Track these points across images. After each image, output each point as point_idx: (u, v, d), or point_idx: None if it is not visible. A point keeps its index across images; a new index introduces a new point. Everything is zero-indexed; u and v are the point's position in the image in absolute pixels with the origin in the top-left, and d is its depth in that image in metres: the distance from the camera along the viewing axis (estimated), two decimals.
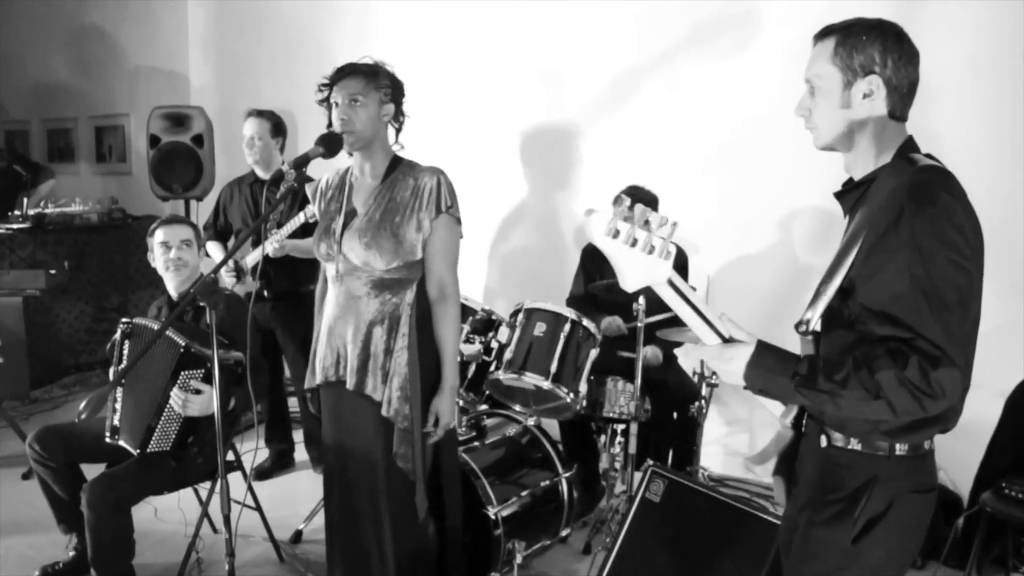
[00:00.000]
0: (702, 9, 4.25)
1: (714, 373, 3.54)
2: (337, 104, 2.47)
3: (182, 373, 2.86)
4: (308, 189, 2.76)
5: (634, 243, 1.49)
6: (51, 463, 3.08)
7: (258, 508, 3.42)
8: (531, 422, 3.49)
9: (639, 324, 3.40)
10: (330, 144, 2.43)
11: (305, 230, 3.74)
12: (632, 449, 3.48)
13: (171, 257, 3.15)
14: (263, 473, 4.30)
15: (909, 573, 1.72)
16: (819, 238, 4.02)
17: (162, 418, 2.90)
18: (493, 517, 3.01)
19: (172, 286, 3.20)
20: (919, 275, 1.45)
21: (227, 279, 3.98)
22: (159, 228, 3.20)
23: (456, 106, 4.93)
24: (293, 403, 4.44)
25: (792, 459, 1.78)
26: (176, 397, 2.85)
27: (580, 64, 4.65)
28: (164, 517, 3.59)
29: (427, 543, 2.67)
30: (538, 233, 4.94)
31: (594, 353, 3.46)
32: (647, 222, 1.49)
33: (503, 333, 3.49)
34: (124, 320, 3.07)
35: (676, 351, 3.96)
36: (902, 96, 1.61)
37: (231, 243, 4.31)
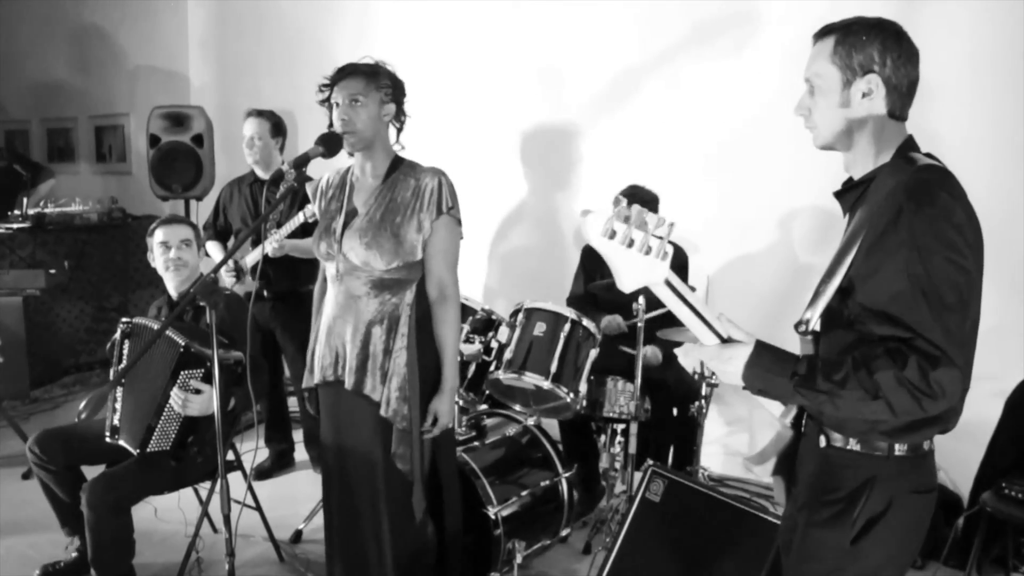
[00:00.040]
0: (702, 9, 4.25)
1: (714, 373, 3.53)
2: (338, 104, 2.47)
3: (182, 373, 2.85)
4: (308, 188, 2.75)
5: (631, 244, 1.48)
6: (51, 466, 3.08)
7: (258, 508, 3.42)
8: (531, 422, 3.49)
9: (639, 323, 3.41)
10: (330, 144, 2.43)
11: (305, 230, 3.73)
12: (632, 449, 3.48)
13: (171, 257, 3.14)
14: (263, 473, 4.30)
15: (909, 573, 1.72)
16: (819, 237, 4.02)
17: (162, 418, 2.90)
18: (493, 517, 3.01)
19: (172, 286, 3.20)
20: (918, 275, 1.45)
21: (227, 279, 3.98)
22: (159, 228, 3.20)
23: (456, 106, 4.93)
24: (293, 403, 4.44)
25: (792, 459, 1.78)
26: (176, 397, 2.85)
27: (580, 64, 4.65)
28: (164, 517, 3.59)
29: (426, 543, 2.67)
30: (538, 233, 4.94)
31: (594, 353, 3.46)
32: (644, 223, 1.49)
33: (503, 333, 3.49)
34: (124, 320, 3.07)
35: (676, 351, 3.96)
36: (902, 95, 1.61)
37: (231, 243, 4.31)
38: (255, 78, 5.95)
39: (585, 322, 3.44)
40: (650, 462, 2.99)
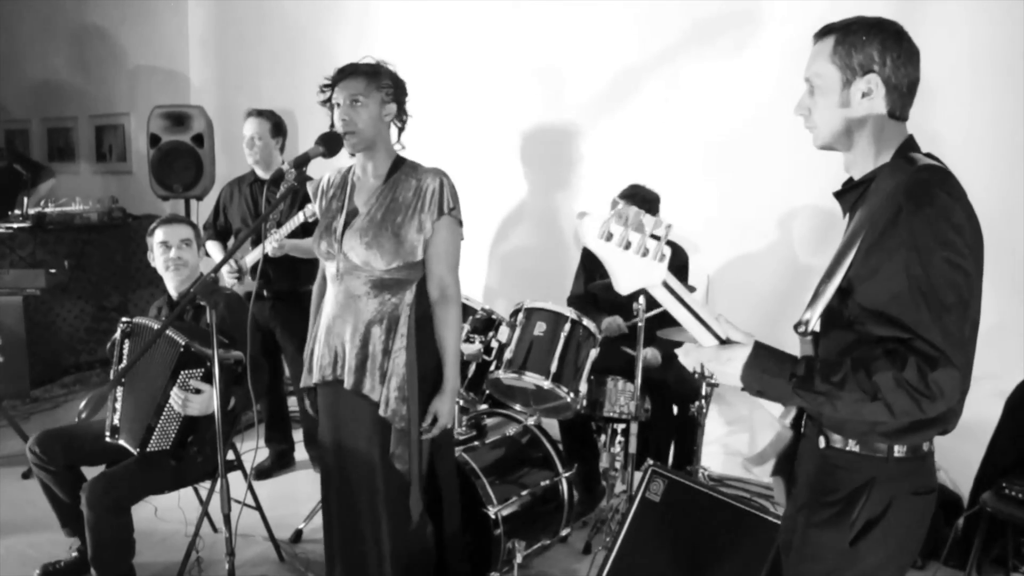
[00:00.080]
0: (702, 8, 4.25)
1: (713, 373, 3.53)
2: (338, 105, 2.47)
3: (182, 372, 2.85)
4: (309, 187, 2.75)
5: (627, 246, 1.48)
6: (51, 466, 3.08)
7: (258, 507, 3.42)
8: (531, 422, 3.49)
9: (639, 324, 3.40)
10: (330, 143, 2.43)
11: (305, 230, 3.74)
12: (632, 449, 3.48)
13: (171, 257, 3.14)
14: (263, 472, 4.30)
15: (909, 573, 1.72)
16: (819, 237, 4.02)
17: (162, 417, 2.90)
18: (493, 516, 3.01)
19: (172, 286, 3.20)
20: (917, 275, 1.45)
21: (228, 279, 3.98)
22: (159, 227, 3.20)
23: (457, 106, 4.93)
24: (293, 403, 4.44)
25: (791, 460, 1.78)
26: (176, 396, 2.85)
27: (580, 64, 4.65)
28: (164, 516, 3.60)
29: (424, 544, 2.67)
30: (538, 233, 4.94)
31: (594, 353, 3.46)
32: (641, 224, 1.48)
33: (503, 332, 3.49)
34: (124, 319, 3.07)
35: (677, 351, 3.96)
36: (902, 95, 1.61)
37: (231, 243, 4.31)
38: (255, 78, 5.95)
39: (585, 322, 3.44)
40: (650, 462, 2.99)
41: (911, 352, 1.43)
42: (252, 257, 4.07)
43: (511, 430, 3.47)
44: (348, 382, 2.50)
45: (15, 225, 5.56)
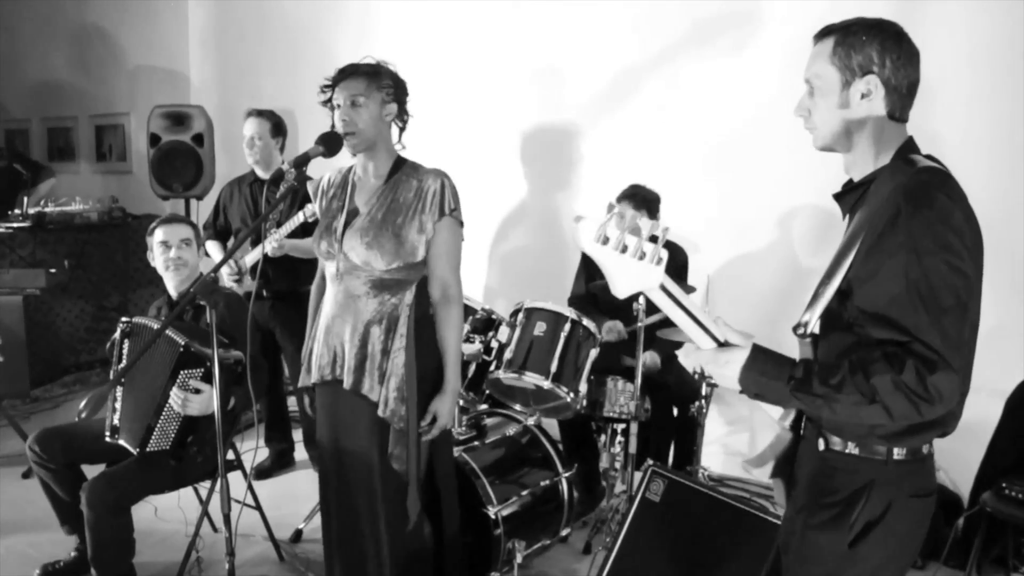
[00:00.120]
0: (702, 8, 4.25)
1: None
2: (339, 106, 2.47)
3: (181, 372, 2.85)
4: (309, 187, 2.75)
5: (624, 249, 1.48)
6: (51, 464, 3.08)
7: (258, 507, 3.43)
8: (531, 421, 3.49)
9: (640, 324, 3.40)
10: (330, 143, 2.42)
11: (304, 230, 3.74)
12: (632, 449, 3.48)
13: (171, 256, 3.14)
14: (263, 472, 4.30)
15: (909, 573, 1.72)
16: (819, 237, 4.02)
17: (162, 417, 2.90)
18: (493, 516, 3.01)
19: (172, 285, 3.20)
20: (916, 278, 1.44)
21: (227, 280, 3.98)
22: (159, 227, 3.20)
23: (457, 106, 4.93)
24: (293, 402, 4.44)
25: (791, 461, 1.77)
26: (176, 396, 2.85)
27: (580, 64, 4.65)
28: (164, 516, 3.60)
29: (422, 544, 2.67)
30: (538, 233, 4.94)
31: (594, 353, 3.46)
32: (637, 228, 1.48)
33: (503, 332, 3.49)
34: (124, 319, 3.07)
35: (678, 351, 3.96)
36: (901, 96, 1.60)
37: (231, 243, 4.31)
38: (256, 77, 5.95)
39: (585, 322, 3.44)
40: (650, 462, 2.99)
41: (909, 355, 1.43)
42: (252, 257, 4.07)
43: (511, 430, 3.47)
44: (347, 382, 2.50)
45: (15, 225, 5.56)
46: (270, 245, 3.75)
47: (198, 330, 3.00)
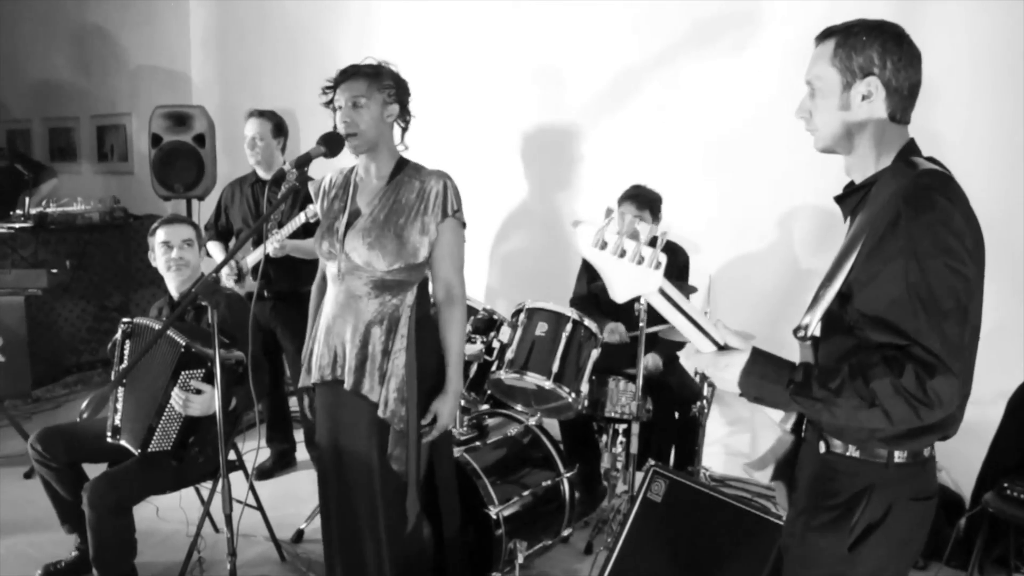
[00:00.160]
0: (702, 9, 4.25)
1: None
2: (340, 107, 2.47)
3: (183, 373, 2.86)
4: (311, 187, 2.75)
5: (622, 254, 1.48)
6: (53, 463, 3.08)
7: (260, 507, 3.43)
8: (532, 422, 3.49)
9: (640, 325, 3.40)
10: (331, 144, 2.42)
11: (306, 230, 3.74)
12: (634, 449, 3.47)
13: (172, 257, 3.15)
14: (265, 472, 4.31)
15: (911, 574, 1.72)
16: (820, 237, 4.02)
17: (163, 418, 2.90)
18: (495, 517, 3.01)
19: (173, 286, 3.20)
20: (916, 282, 1.44)
21: (228, 281, 3.98)
22: (160, 228, 3.20)
23: (458, 106, 4.93)
24: (294, 403, 4.43)
25: (793, 464, 1.77)
26: (177, 397, 2.85)
27: (581, 64, 4.65)
28: (166, 516, 3.60)
29: (423, 545, 2.67)
30: (540, 233, 4.94)
31: (596, 353, 3.46)
32: (635, 232, 1.48)
33: (505, 333, 3.49)
34: (125, 320, 3.08)
35: (679, 352, 3.97)
36: (903, 98, 1.60)
37: (232, 243, 4.31)
38: (257, 78, 5.95)
39: (587, 322, 3.44)
40: (651, 462, 2.99)
41: (909, 359, 1.42)
42: (253, 257, 4.07)
43: (512, 430, 3.47)
44: (348, 382, 2.50)
45: (17, 225, 5.56)
46: (272, 245, 3.75)
47: (199, 331, 3.00)
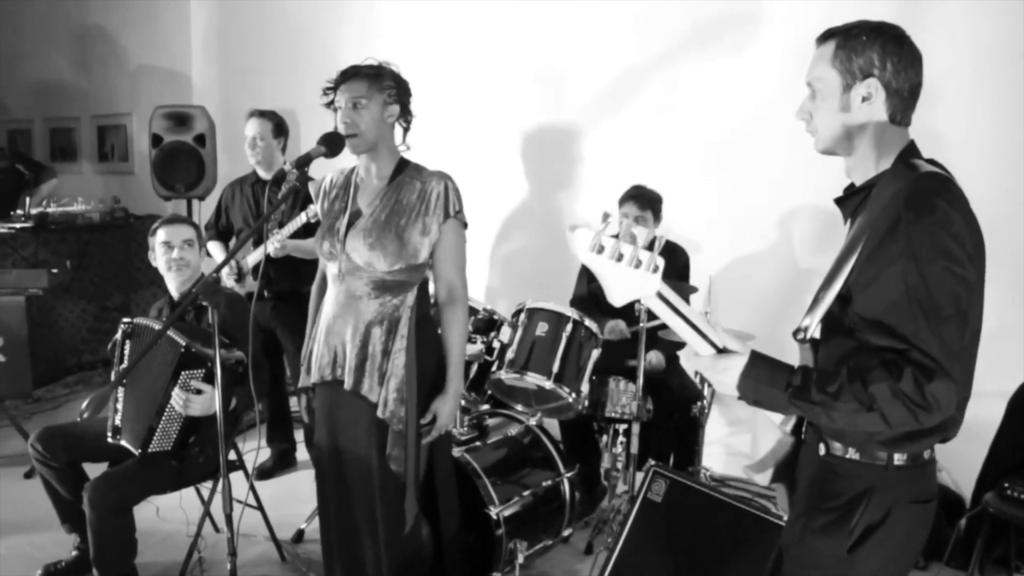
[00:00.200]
0: (702, 9, 4.25)
1: None
2: (341, 107, 2.47)
3: (183, 373, 2.86)
4: (311, 188, 2.75)
5: (620, 258, 1.48)
6: (53, 463, 3.09)
7: (260, 507, 3.43)
8: (533, 422, 3.49)
9: (641, 324, 3.41)
10: (332, 144, 2.42)
11: (307, 230, 3.75)
12: (634, 449, 3.47)
13: (173, 257, 3.15)
14: (265, 472, 4.31)
15: (912, 574, 1.71)
16: (821, 237, 4.02)
17: (163, 418, 2.90)
18: (495, 517, 3.01)
19: (174, 286, 3.20)
20: (915, 285, 1.44)
21: (228, 280, 3.98)
22: (161, 228, 3.21)
23: (459, 106, 4.93)
24: (294, 403, 4.43)
25: (793, 466, 1.77)
26: (177, 397, 2.85)
27: (581, 64, 4.65)
28: (166, 516, 3.60)
29: (420, 545, 2.67)
30: (540, 233, 4.94)
31: (596, 353, 3.46)
32: (633, 236, 1.48)
33: (505, 333, 3.49)
34: (125, 320, 3.08)
35: (680, 352, 3.97)
36: (903, 100, 1.59)
37: (232, 243, 4.31)
38: (258, 78, 5.95)
39: (587, 322, 3.44)
40: (652, 462, 2.99)
41: (908, 363, 1.42)
42: (254, 257, 4.07)
43: (513, 430, 3.47)
44: (348, 382, 2.50)
45: (17, 225, 5.56)
46: (272, 246, 3.75)
47: (199, 331, 3.00)
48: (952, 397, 1.42)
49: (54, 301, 5.69)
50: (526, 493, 3.21)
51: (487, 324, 3.55)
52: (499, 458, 3.33)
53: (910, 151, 1.61)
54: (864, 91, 1.58)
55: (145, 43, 6.64)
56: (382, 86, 2.48)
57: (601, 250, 1.48)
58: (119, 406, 3.00)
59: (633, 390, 3.51)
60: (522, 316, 3.50)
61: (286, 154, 4.19)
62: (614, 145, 4.60)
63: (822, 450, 1.66)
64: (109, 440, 3.02)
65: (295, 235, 3.78)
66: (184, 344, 2.82)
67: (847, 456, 1.62)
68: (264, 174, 4.14)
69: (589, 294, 3.93)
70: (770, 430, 1.79)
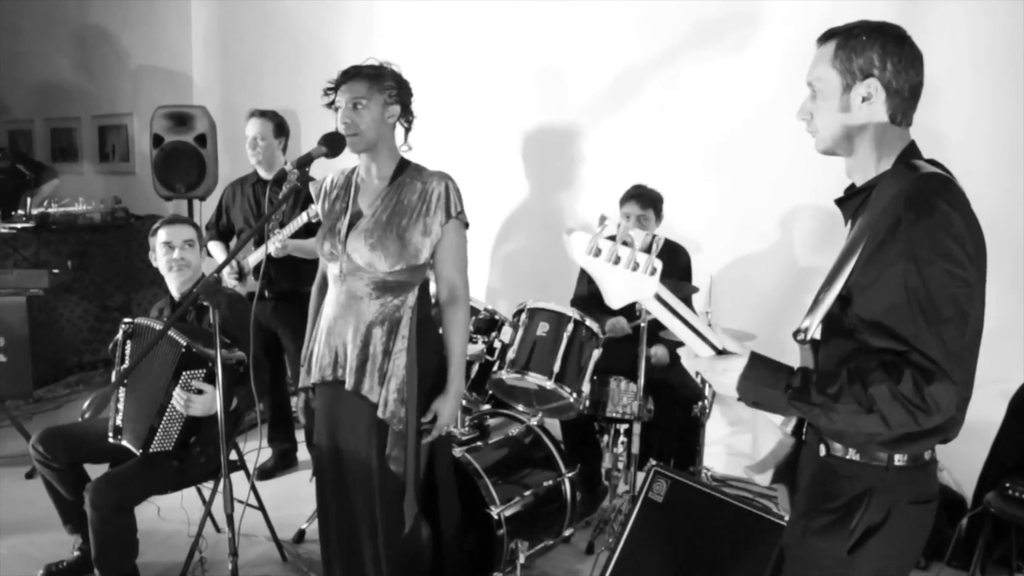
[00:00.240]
0: (702, 9, 4.25)
1: None
2: (341, 107, 2.47)
3: (184, 373, 2.86)
4: (312, 188, 2.75)
5: (617, 260, 1.48)
6: (54, 464, 3.09)
7: (261, 507, 3.43)
8: (534, 422, 3.50)
9: (642, 324, 3.40)
10: (333, 144, 2.43)
11: (308, 230, 3.75)
12: (635, 449, 3.48)
13: (174, 257, 3.15)
14: (266, 472, 4.31)
15: (913, 574, 1.71)
16: (821, 237, 4.02)
17: (164, 418, 2.90)
18: (496, 517, 3.01)
19: (174, 287, 3.21)
20: (915, 287, 1.43)
21: (229, 280, 3.98)
22: (162, 228, 3.21)
23: (459, 106, 4.93)
24: (296, 403, 4.45)
25: (794, 467, 1.77)
26: (178, 397, 2.85)
27: (582, 64, 4.65)
28: (167, 516, 3.60)
29: (420, 545, 2.67)
30: (541, 233, 4.94)
31: (597, 353, 3.46)
32: (630, 239, 1.48)
33: (506, 333, 3.49)
34: (126, 320, 3.08)
35: (680, 351, 3.96)
36: (903, 100, 1.58)
37: (233, 243, 4.31)
38: (258, 78, 5.95)
39: (588, 322, 3.45)
40: (653, 462, 2.99)
41: (907, 365, 1.42)
42: (255, 257, 4.07)
43: (514, 430, 3.47)
44: (349, 382, 2.50)
45: (18, 225, 5.56)
46: (274, 245, 3.75)
47: (200, 331, 3.00)
48: (952, 399, 1.42)
49: (55, 301, 5.69)
50: (527, 493, 3.21)
51: (488, 324, 3.55)
52: (500, 458, 3.33)
53: (911, 151, 1.60)
54: (864, 91, 1.57)
55: (146, 43, 6.65)
56: (383, 86, 2.48)
57: (598, 253, 1.48)
58: (120, 406, 3.00)
59: (634, 390, 3.52)
60: (523, 316, 3.50)
61: (287, 154, 4.19)
62: (614, 145, 4.60)
63: (822, 451, 1.66)
64: (110, 440, 3.02)
65: (296, 235, 3.78)
66: (185, 344, 2.82)
67: (847, 457, 1.61)
68: (265, 174, 4.14)
69: (590, 294, 3.93)
70: (771, 431, 1.79)
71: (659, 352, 3.72)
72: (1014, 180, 3.55)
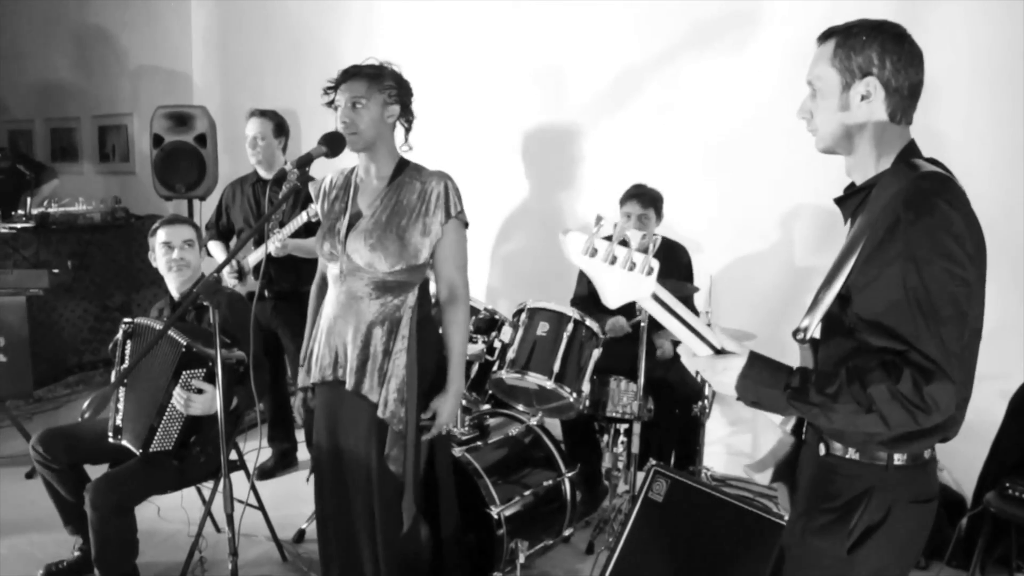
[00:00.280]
0: (702, 9, 4.25)
1: None
2: (341, 107, 2.47)
3: (184, 372, 2.86)
4: (311, 188, 2.75)
5: (613, 260, 1.47)
6: (54, 465, 3.09)
7: (261, 507, 3.43)
8: (534, 422, 3.50)
9: (642, 323, 3.40)
10: (333, 144, 2.42)
11: (308, 229, 3.75)
12: (635, 449, 3.48)
13: (173, 257, 3.15)
14: (266, 472, 4.31)
15: (913, 573, 1.71)
16: (822, 237, 4.02)
17: (164, 418, 2.90)
18: (496, 517, 3.01)
19: (174, 286, 3.20)
20: (914, 287, 1.43)
21: (229, 280, 3.98)
22: (161, 228, 3.21)
23: (459, 106, 4.93)
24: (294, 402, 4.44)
25: (794, 466, 1.77)
26: (178, 397, 2.85)
27: (582, 64, 4.65)
28: (167, 516, 3.60)
29: (419, 545, 2.67)
30: (541, 233, 4.94)
31: (597, 353, 3.46)
32: (626, 239, 1.48)
33: (506, 332, 3.49)
34: (126, 320, 3.08)
35: (679, 349, 3.97)
36: (903, 99, 1.58)
37: (233, 243, 4.31)
38: (258, 78, 5.95)
39: (588, 322, 3.45)
40: (653, 462, 2.99)
41: (907, 364, 1.42)
42: (255, 257, 4.07)
43: (514, 430, 3.47)
44: (349, 382, 2.50)
45: (18, 225, 5.56)
46: (274, 245, 3.75)
47: (200, 330, 3.00)
48: (951, 398, 1.42)
49: (55, 301, 5.69)
50: (527, 493, 3.21)
51: (488, 324, 3.55)
52: (500, 458, 3.33)
53: (910, 150, 1.60)
54: (863, 90, 1.57)
55: (146, 43, 6.65)
56: (382, 86, 2.48)
57: (594, 253, 1.48)
58: (120, 406, 3.00)
59: (634, 390, 3.52)
60: (523, 316, 3.50)
61: (287, 154, 4.19)
62: (614, 145, 4.60)
63: (822, 450, 1.65)
64: (110, 440, 3.02)
65: (296, 234, 3.78)
66: (185, 344, 2.82)
67: (847, 456, 1.61)
68: (265, 174, 4.14)
69: (590, 294, 3.92)
70: (771, 430, 1.79)
71: (665, 345, 3.73)
72: (1014, 180, 3.55)
